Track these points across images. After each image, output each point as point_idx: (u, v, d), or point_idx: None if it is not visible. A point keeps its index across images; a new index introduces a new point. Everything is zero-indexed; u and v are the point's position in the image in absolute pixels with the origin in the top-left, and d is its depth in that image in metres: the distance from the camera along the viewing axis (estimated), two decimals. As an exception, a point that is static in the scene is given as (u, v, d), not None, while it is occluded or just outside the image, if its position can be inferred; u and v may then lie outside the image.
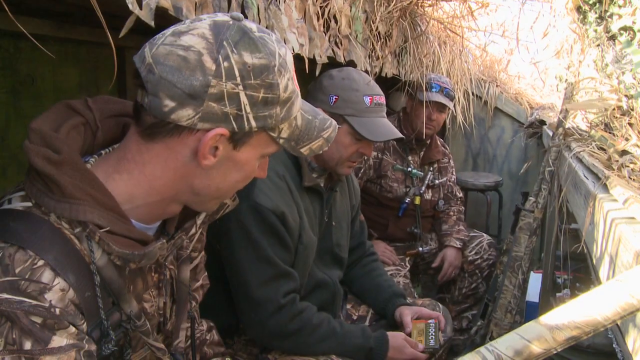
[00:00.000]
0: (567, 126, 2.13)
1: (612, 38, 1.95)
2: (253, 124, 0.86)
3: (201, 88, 0.80)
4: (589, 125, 2.16)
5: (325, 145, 0.98)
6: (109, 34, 0.89)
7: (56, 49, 1.94)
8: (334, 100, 1.68)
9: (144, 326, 0.96)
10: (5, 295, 0.74)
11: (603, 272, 0.87)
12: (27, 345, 0.75)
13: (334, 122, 1.02)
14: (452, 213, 3.06)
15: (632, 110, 1.84)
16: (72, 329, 0.80)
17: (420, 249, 2.94)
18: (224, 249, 1.57)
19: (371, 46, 2.14)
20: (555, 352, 0.60)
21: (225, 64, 0.81)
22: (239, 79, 0.82)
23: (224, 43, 0.82)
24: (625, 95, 1.88)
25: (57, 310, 0.78)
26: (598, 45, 1.97)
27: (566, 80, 2.32)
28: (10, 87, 1.81)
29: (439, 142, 3.10)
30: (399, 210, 2.88)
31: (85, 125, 0.93)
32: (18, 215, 0.82)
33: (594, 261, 0.97)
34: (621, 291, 0.55)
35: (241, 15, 0.87)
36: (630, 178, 1.08)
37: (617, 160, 1.42)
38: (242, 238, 1.54)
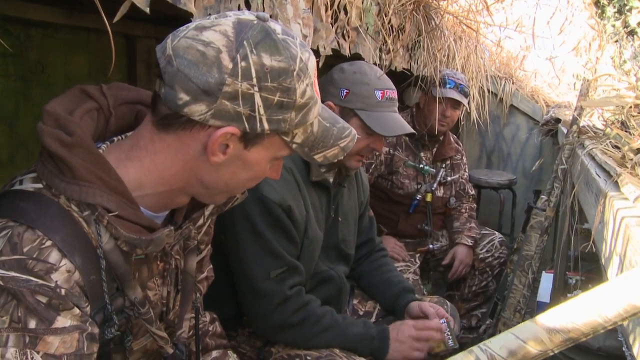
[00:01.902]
0: (581, 124, 2.09)
1: (631, 33, 1.91)
2: (266, 126, 0.85)
3: (216, 85, 0.80)
4: (604, 123, 2.12)
5: (342, 154, 0.97)
6: (106, 21, 0.89)
7: (66, 37, 1.93)
8: (345, 94, 1.66)
9: (148, 314, 0.96)
10: (12, 274, 0.75)
11: (612, 272, 0.84)
12: (32, 324, 0.76)
13: (354, 131, 1.00)
14: (463, 210, 3.03)
15: (650, 108, 1.79)
16: (77, 311, 0.81)
17: (431, 245, 2.90)
18: (229, 241, 1.56)
19: (382, 39, 2.11)
20: (552, 353, 0.57)
21: (243, 63, 0.81)
22: (255, 79, 0.81)
23: (244, 42, 0.81)
24: (643, 93, 1.84)
25: (63, 291, 0.79)
26: (616, 41, 1.93)
27: (583, 77, 2.27)
28: (20, 75, 1.81)
29: (452, 139, 3.06)
30: (409, 206, 2.85)
31: (99, 110, 0.93)
32: (28, 195, 0.83)
33: (603, 261, 0.94)
34: (624, 291, 0.53)
35: (267, 16, 0.86)
36: (644, 176, 1.04)
37: (632, 159, 1.38)
38: (248, 230, 1.53)
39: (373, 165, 2.79)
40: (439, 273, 3.18)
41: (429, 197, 2.86)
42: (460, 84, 2.78)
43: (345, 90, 1.66)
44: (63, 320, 0.79)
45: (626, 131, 1.78)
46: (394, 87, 1.72)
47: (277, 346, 1.66)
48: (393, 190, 2.84)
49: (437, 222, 2.98)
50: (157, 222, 0.94)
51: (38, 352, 0.76)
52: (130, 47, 2.22)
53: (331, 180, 1.75)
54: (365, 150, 1.70)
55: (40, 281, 0.77)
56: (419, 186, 2.85)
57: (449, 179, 2.97)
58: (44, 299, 0.77)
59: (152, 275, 0.99)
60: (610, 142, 1.63)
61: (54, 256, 0.79)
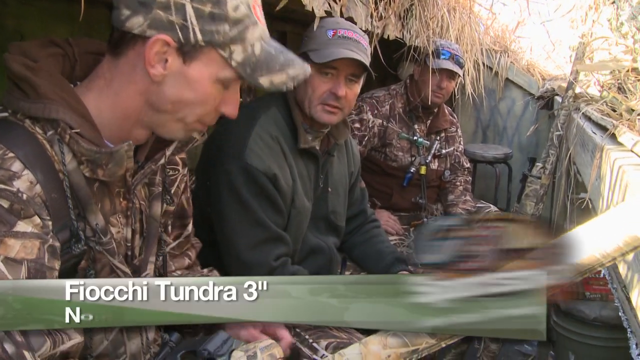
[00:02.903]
0: (577, 90, 2.04)
1: (628, -7, 1.85)
2: (199, 37, 0.88)
3: None
4: (600, 89, 2.07)
5: (290, 81, 0.97)
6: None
7: (45, 5, 1.86)
8: (303, 41, 1.65)
9: (110, 244, 0.97)
10: None
11: (608, 226, 0.79)
12: None
13: (307, 65, 1.00)
14: (458, 183, 2.98)
15: (648, 71, 1.74)
16: (37, 220, 0.82)
17: (425, 219, 2.86)
18: (213, 211, 1.53)
19: (374, 5, 2.05)
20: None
21: None
22: None
23: None
24: (641, 56, 1.79)
25: (24, 196, 0.81)
26: (613, 2, 1.87)
27: (579, 40, 2.21)
28: (-4, 43, 1.74)
29: (446, 111, 3.00)
30: (403, 179, 2.80)
31: (64, 56, 0.96)
32: None
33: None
34: (623, 222, 0.48)
35: None
36: (642, 130, 1.00)
37: (629, 119, 1.34)
38: (233, 200, 1.50)
39: (366, 138, 2.73)
40: (434, 247, 3.14)
41: (423, 170, 2.80)
42: (456, 55, 2.72)
43: (304, 38, 1.64)
44: (24, 226, 0.80)
45: (623, 95, 1.73)
46: (356, 29, 1.64)
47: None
48: (386, 162, 2.79)
49: (432, 195, 2.94)
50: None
51: None
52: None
53: (318, 147, 1.70)
54: (327, 97, 1.61)
55: (2, 185, 0.79)
56: (413, 159, 2.80)
57: (443, 151, 2.91)
58: (5, 203, 0.79)
59: (114, 211, 0.99)
60: (606, 103, 1.58)
61: (16, 166, 0.82)
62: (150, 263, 1.09)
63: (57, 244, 0.86)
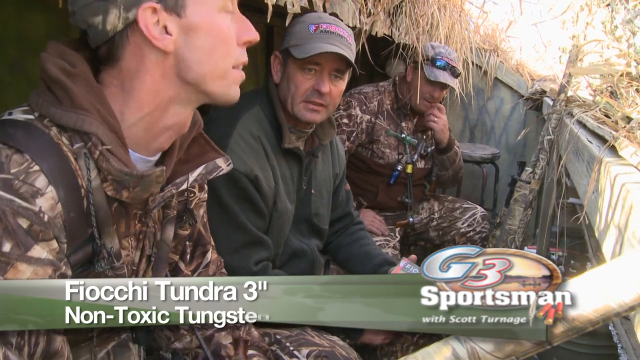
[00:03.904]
0: (569, 93, 2.00)
1: (624, -5, 1.81)
2: None
3: None
4: (592, 93, 2.03)
5: None
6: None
7: (19, -7, 1.79)
8: (284, 37, 1.59)
9: (122, 269, 0.92)
10: None
11: (608, 245, 0.74)
12: (7, 246, 0.72)
13: None
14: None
15: (641, 76, 1.70)
16: (55, 245, 0.78)
17: (411, 219, 2.82)
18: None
19: (363, 1, 1.99)
20: (548, 346, 0.48)
21: None
22: None
23: None
24: (635, 60, 1.75)
25: (46, 217, 0.76)
26: (608, 4, 1.83)
27: (572, 43, 2.17)
28: (-33, 32, 1.67)
29: (434, 110, 2.95)
30: (390, 177, 2.76)
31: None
32: (19, 124, 0.80)
33: (597, 234, 0.85)
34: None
35: None
36: (642, 141, 0.95)
37: (624, 127, 1.29)
38: (213, 202, 1.44)
39: (354, 134, 2.68)
40: (420, 247, 3.10)
41: (409, 169, 2.76)
42: (453, 66, 2.65)
43: (285, 35, 1.59)
44: (40, 250, 0.75)
45: (616, 100, 1.69)
46: (339, 24, 1.58)
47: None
48: (373, 159, 2.74)
49: (418, 194, 2.90)
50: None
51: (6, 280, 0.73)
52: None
53: (302, 148, 1.64)
54: (311, 94, 1.55)
55: (25, 203, 0.74)
56: (400, 157, 2.75)
57: (429, 150, 2.87)
58: (24, 223, 0.74)
59: (128, 234, 0.94)
60: (600, 110, 1.54)
61: (40, 181, 0.76)
62: None
63: (69, 272, 0.82)
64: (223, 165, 1.02)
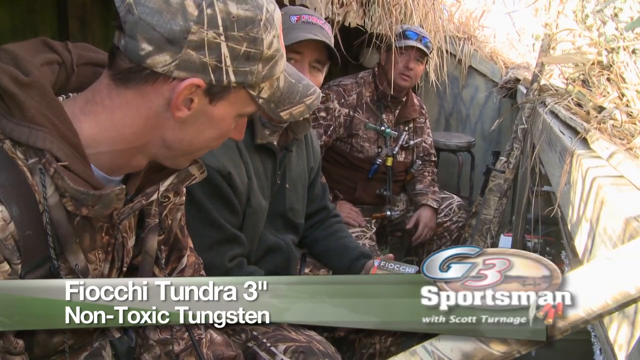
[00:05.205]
0: (542, 82, 2.00)
1: (594, -16, 1.82)
2: (232, 78, 0.81)
3: (181, 33, 0.76)
4: (565, 81, 2.04)
5: (307, 111, 0.95)
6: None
7: (-20, -14, 1.73)
8: None
9: None
10: None
11: (580, 240, 0.74)
12: None
13: (319, 90, 0.97)
14: (427, 173, 2.93)
15: (612, 65, 1.71)
16: (6, 267, 0.75)
17: (389, 212, 2.81)
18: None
19: (335, -9, 1.97)
20: (518, 354, 0.47)
21: (209, 11, 0.77)
22: (221, 28, 0.78)
23: None
24: (606, 49, 1.76)
25: None
26: (578, -7, 1.83)
27: (544, 32, 2.18)
28: None
29: (415, 100, 2.93)
30: (369, 171, 2.74)
31: (61, 65, 0.87)
32: None
33: (569, 227, 0.85)
34: (615, 274, 0.42)
35: None
36: (613, 134, 0.95)
37: (596, 116, 1.30)
38: (186, 199, 1.42)
39: (332, 127, 2.65)
40: (397, 238, 3.11)
41: (389, 162, 2.74)
42: (424, 37, 2.65)
43: None
44: None
45: (588, 89, 1.70)
46: (320, 17, 1.59)
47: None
48: (352, 154, 2.72)
49: (396, 187, 2.89)
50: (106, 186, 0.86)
51: None
52: (61, 2, 2.03)
53: (275, 143, 1.62)
54: None
55: None
56: (380, 150, 2.73)
57: (411, 142, 2.85)
58: None
59: (94, 247, 0.90)
60: (572, 99, 1.55)
61: None
62: None
63: None
64: (196, 173, 0.99)
